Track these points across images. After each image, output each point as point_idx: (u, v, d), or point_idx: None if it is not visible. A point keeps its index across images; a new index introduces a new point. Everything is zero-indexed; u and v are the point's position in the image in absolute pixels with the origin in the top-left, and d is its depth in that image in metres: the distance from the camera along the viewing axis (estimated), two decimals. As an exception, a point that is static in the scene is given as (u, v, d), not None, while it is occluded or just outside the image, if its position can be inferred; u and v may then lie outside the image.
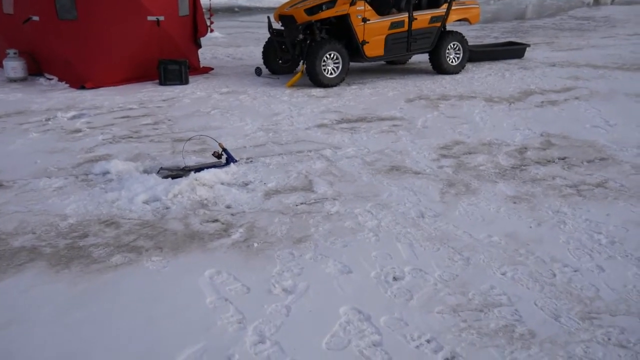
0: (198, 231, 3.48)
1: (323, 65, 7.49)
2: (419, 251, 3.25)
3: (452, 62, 8.56)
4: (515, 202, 3.92)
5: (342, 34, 7.73)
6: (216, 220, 3.63)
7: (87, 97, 7.01)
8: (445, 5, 8.36)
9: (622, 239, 3.39)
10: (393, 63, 9.38)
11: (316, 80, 7.52)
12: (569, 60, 9.72)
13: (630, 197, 4.01)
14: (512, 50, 10.17)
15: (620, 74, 8.57)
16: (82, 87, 7.42)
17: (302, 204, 3.89)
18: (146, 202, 3.84)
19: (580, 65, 9.23)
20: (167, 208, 3.78)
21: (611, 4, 25.52)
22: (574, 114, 6.31)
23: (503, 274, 3.01)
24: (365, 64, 8.81)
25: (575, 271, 3.03)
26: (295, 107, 6.57)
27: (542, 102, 6.86)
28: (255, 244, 3.32)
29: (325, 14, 7.51)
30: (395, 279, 2.97)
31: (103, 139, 5.33)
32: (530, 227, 3.56)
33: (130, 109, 6.47)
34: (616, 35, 13.40)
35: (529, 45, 10.42)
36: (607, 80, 8.06)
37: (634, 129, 5.67)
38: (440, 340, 2.47)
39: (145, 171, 4.40)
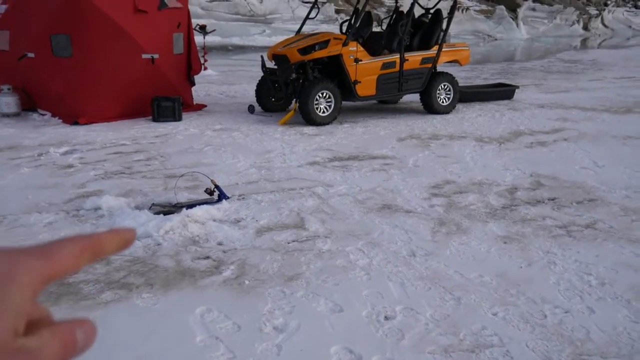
0: (189, 268, 3.47)
1: (315, 104, 7.59)
2: (411, 290, 3.25)
3: (442, 102, 8.70)
4: (505, 242, 3.95)
5: (334, 73, 7.85)
6: (207, 257, 3.62)
7: (80, 132, 7.03)
8: (436, 47, 8.54)
9: (612, 280, 3.41)
10: (385, 102, 9.51)
11: (308, 118, 7.60)
12: (557, 102, 9.90)
13: (619, 239, 4.04)
14: (501, 92, 10.35)
15: (607, 116, 8.73)
16: (75, 123, 7.46)
17: (293, 241, 3.89)
18: (137, 239, 3.83)
19: (569, 107, 9.40)
20: (158, 244, 3.77)
21: (598, 47, 26.13)
22: (563, 155, 6.40)
23: (494, 314, 3.01)
24: (357, 103, 8.93)
25: (566, 312, 3.04)
26: (287, 144, 6.62)
27: (532, 142, 6.96)
28: (247, 282, 3.30)
29: (318, 54, 7.65)
30: (386, 318, 2.96)
31: (95, 175, 5.33)
32: (521, 267, 3.58)
33: (123, 144, 6.50)
34: (603, 78, 13.69)
35: (518, 87, 10.61)
36: (595, 123, 8.20)
37: (622, 170, 5.75)
38: (432, 381, 2.45)
39: (137, 207, 4.40)
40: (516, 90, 10.40)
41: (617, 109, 9.30)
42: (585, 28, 35.37)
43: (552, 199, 4.88)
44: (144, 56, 7.88)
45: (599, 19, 36.68)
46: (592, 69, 15.92)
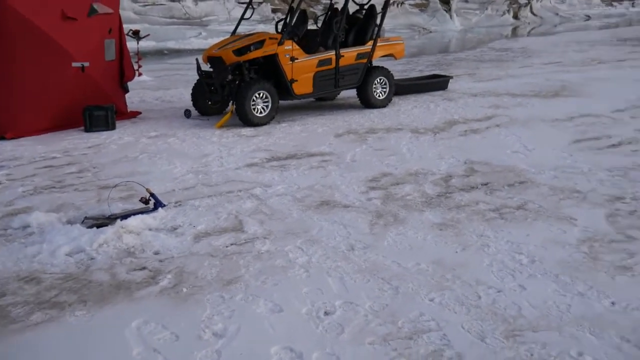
0: (124, 280, 3.38)
1: (252, 105, 7.54)
2: (350, 284, 3.28)
3: (379, 96, 8.80)
4: (441, 229, 4.03)
5: (270, 73, 7.83)
6: (144, 268, 3.54)
7: (7, 148, 6.75)
8: (370, 42, 8.63)
9: (541, 257, 3.54)
10: (322, 99, 9.54)
11: (246, 119, 7.55)
12: (489, 90, 10.17)
13: (548, 217, 4.20)
14: (436, 83, 10.55)
15: (537, 101, 9.04)
16: (2, 138, 7.15)
17: (232, 244, 3.86)
18: (69, 254, 3.70)
19: (500, 95, 9.68)
20: (91, 259, 3.66)
21: (527, 35, 27.02)
22: (495, 141, 6.59)
23: (431, 300, 3.07)
24: (295, 101, 8.94)
25: (498, 292, 3.13)
26: (225, 147, 6.56)
27: (465, 131, 7.14)
28: (184, 289, 3.25)
29: (253, 54, 7.61)
30: (326, 313, 2.97)
31: (23, 191, 5.13)
32: (456, 252, 3.66)
33: (54, 157, 6.28)
34: (532, 64, 14.16)
35: (451, 77, 10.85)
36: (525, 108, 8.48)
37: (550, 152, 5.97)
38: (371, 372, 2.48)
39: (69, 222, 4.26)
40: (450, 81, 10.63)
41: (545, 94, 9.65)
42: (516, 17, 36.50)
43: (485, 184, 5.01)
44: (74, 64, 7.64)
45: (528, 7, 37.92)
46: (522, 56, 16.44)
